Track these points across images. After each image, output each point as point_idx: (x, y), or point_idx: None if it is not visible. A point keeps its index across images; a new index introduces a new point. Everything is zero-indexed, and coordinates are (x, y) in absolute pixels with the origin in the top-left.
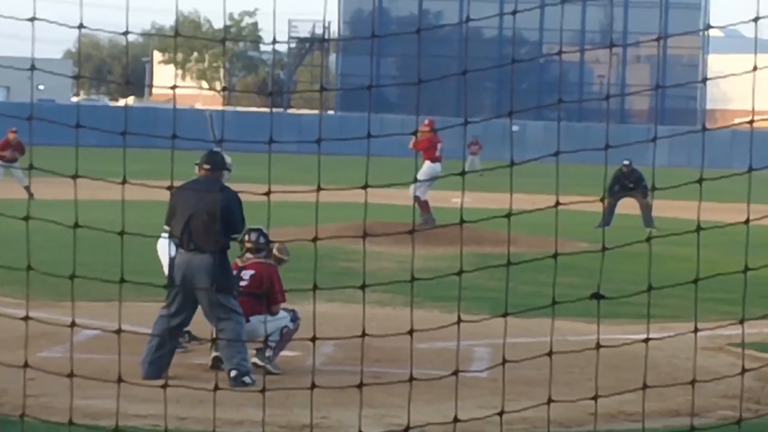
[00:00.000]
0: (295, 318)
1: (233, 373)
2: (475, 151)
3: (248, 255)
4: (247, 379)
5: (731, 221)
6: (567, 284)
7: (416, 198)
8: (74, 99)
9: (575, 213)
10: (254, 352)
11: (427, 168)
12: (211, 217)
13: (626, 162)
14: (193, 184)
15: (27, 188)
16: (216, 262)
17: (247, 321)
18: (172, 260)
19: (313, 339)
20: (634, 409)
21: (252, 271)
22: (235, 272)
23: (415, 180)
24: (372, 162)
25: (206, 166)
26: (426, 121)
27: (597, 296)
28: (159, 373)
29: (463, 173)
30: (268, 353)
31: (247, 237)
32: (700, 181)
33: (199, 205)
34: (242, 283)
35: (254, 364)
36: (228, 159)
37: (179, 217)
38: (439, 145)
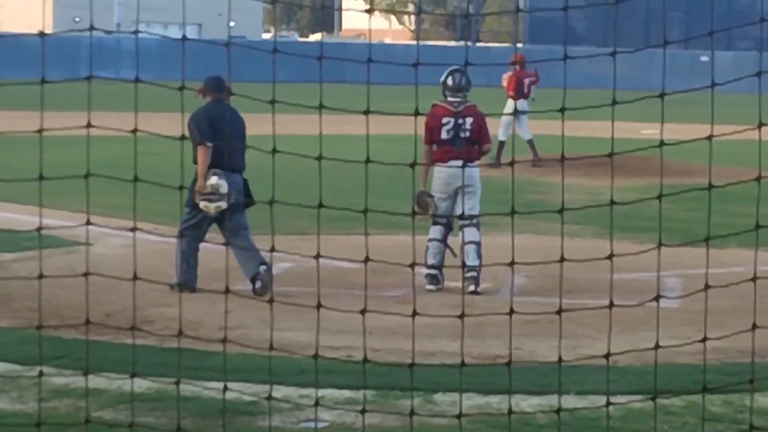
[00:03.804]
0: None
1: (258, 284)
2: (533, 82)
3: (451, 99)
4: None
5: None
6: (762, 214)
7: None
8: (265, 36)
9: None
10: (471, 287)
11: (510, 107)
12: (241, 136)
13: None
14: (218, 106)
15: None
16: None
17: (466, 166)
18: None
19: (512, 264)
20: None
21: (471, 119)
22: (451, 119)
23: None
24: (556, 93)
25: (216, 92)
26: (517, 55)
27: None
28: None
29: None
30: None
31: (450, 77)
32: None
33: (233, 126)
34: (464, 134)
35: (473, 293)
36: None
37: (220, 138)
38: (526, 81)
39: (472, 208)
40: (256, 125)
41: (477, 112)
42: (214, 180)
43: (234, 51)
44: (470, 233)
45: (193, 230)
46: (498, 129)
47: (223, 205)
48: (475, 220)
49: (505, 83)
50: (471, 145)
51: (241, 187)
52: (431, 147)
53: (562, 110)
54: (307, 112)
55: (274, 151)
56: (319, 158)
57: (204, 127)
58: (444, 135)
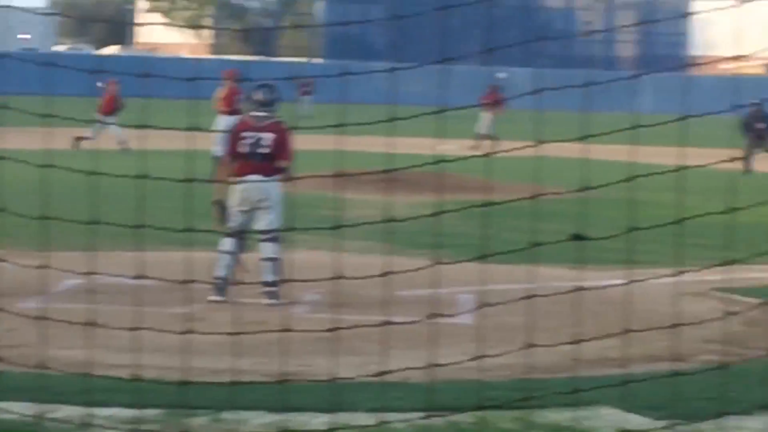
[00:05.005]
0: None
1: None
2: (308, 91)
3: (256, 113)
4: None
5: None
6: (551, 231)
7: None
8: (57, 48)
9: (555, 160)
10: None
11: (224, 123)
12: None
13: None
14: None
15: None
16: None
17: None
18: None
19: (294, 280)
20: (616, 355)
21: (271, 135)
22: (251, 134)
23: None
24: (355, 109)
25: None
26: (230, 71)
27: (577, 237)
28: None
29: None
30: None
31: (260, 92)
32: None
33: None
34: (262, 150)
35: (270, 305)
36: None
37: None
38: (238, 97)
39: (270, 224)
40: (33, 138)
41: (280, 129)
42: None
43: (21, 63)
44: (267, 249)
45: None
46: (215, 146)
47: None
48: (273, 235)
49: (218, 99)
50: (270, 160)
51: None
52: (231, 159)
53: (339, 126)
54: (89, 125)
55: (48, 165)
56: (93, 173)
57: None
58: (241, 149)
